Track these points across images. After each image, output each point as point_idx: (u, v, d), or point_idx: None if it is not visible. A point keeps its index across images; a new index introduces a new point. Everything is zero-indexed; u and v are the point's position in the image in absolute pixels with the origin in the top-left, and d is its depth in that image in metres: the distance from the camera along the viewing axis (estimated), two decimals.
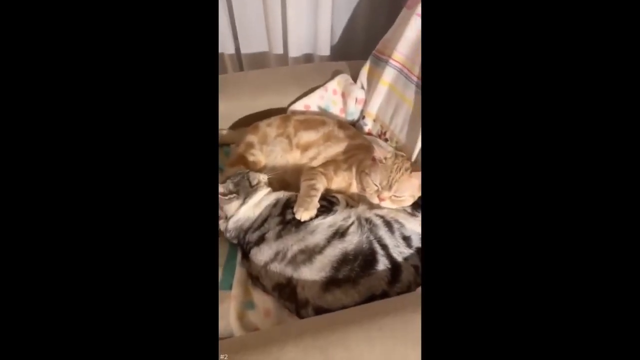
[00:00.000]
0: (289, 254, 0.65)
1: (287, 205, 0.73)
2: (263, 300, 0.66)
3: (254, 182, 0.77)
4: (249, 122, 1.02)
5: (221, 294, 0.67)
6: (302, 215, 0.68)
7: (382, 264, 0.63)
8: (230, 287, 0.68)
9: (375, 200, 0.72)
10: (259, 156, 0.90)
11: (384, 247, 0.65)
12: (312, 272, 0.62)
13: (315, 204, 0.71)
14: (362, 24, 1.33)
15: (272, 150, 0.89)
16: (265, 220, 0.71)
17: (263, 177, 0.80)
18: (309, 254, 0.64)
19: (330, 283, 0.61)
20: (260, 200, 0.75)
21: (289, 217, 0.70)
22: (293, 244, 0.66)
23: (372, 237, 0.66)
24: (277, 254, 0.66)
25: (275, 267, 0.65)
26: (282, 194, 0.77)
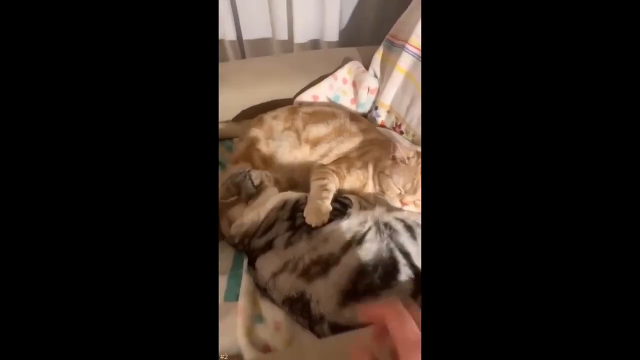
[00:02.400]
0: (300, 265, 0.58)
1: (297, 208, 0.66)
2: (273, 313, 0.60)
3: (257, 182, 0.70)
4: (252, 114, 0.95)
5: (226, 305, 0.61)
6: (313, 220, 0.62)
7: (405, 274, 0.57)
8: (236, 298, 0.62)
9: (397, 204, 0.66)
10: (264, 152, 0.83)
11: (406, 255, 0.58)
12: (327, 286, 0.56)
13: (327, 207, 0.64)
14: (372, 6, 1.25)
15: (279, 146, 0.83)
16: (272, 225, 0.65)
17: (267, 176, 0.73)
18: (323, 266, 0.58)
19: (348, 297, 0.55)
20: (266, 202, 0.68)
21: (298, 221, 0.64)
22: (304, 253, 0.59)
23: (392, 245, 0.59)
24: (286, 264, 0.59)
25: (285, 279, 0.58)
26: (290, 195, 0.70)
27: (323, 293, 0.55)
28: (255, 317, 0.61)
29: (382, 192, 0.69)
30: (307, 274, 0.57)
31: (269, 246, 0.62)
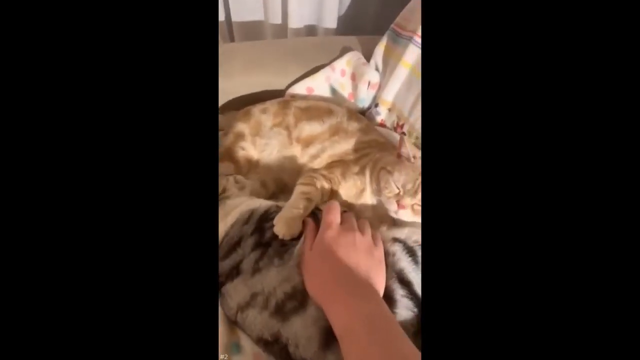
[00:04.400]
0: (272, 301, 0.48)
1: (265, 218, 0.56)
2: (251, 343, 0.53)
3: (218, 191, 0.60)
4: (239, 104, 0.86)
5: None
6: (282, 230, 0.53)
7: (405, 307, 0.49)
8: None
9: (393, 207, 0.58)
10: (250, 150, 0.75)
11: (407, 284, 0.51)
12: (306, 323, 0.47)
13: (300, 218, 0.56)
14: None
15: (267, 144, 0.74)
16: (237, 244, 0.54)
17: (237, 182, 0.63)
18: (301, 300, 0.48)
19: (332, 337, 0.45)
20: (227, 215, 0.57)
21: (267, 235, 0.54)
22: (276, 285, 0.49)
23: (388, 271, 0.51)
24: (254, 296, 0.49)
25: (255, 316, 0.48)
26: (259, 203, 0.59)
27: (302, 333, 0.46)
28: (232, 346, 0.53)
29: (379, 191, 0.61)
30: (282, 312, 0.48)
31: (236, 272, 0.52)
